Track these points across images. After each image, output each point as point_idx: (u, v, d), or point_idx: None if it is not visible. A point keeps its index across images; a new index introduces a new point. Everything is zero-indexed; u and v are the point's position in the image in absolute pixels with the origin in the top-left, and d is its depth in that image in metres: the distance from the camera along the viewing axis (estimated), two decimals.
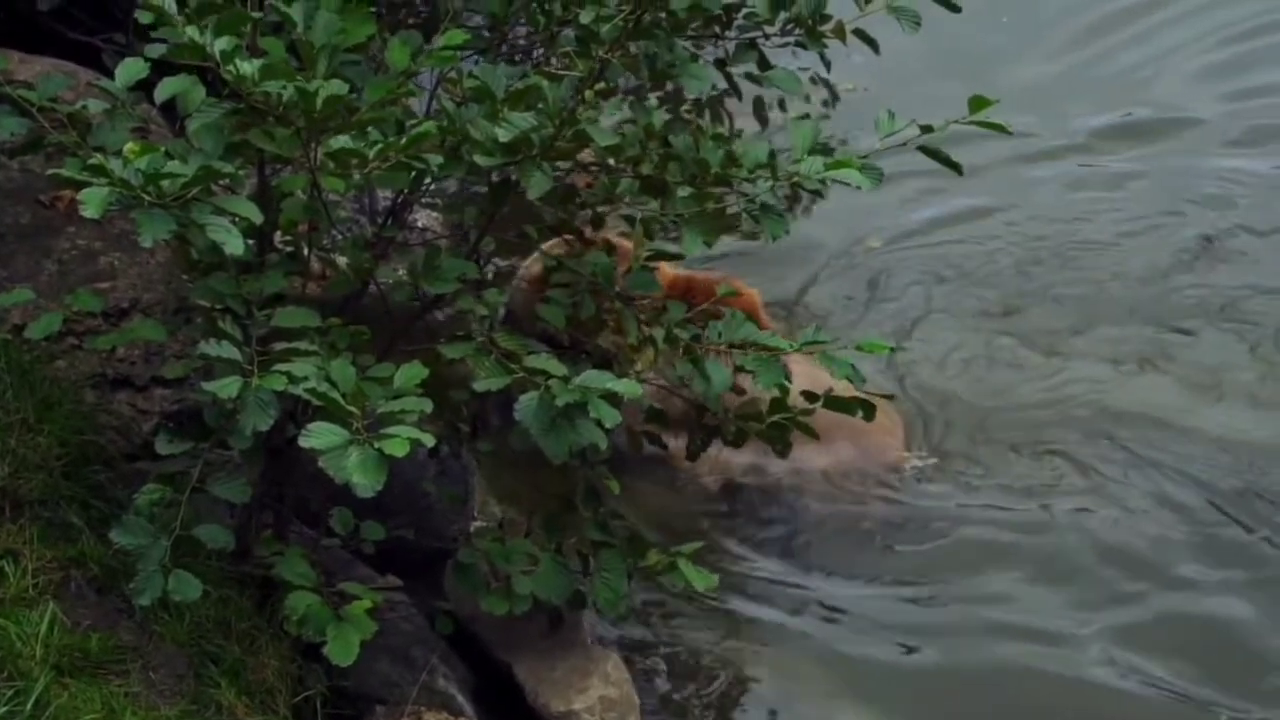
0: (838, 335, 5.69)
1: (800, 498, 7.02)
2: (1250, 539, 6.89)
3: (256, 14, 4.79)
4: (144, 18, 4.65)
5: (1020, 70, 9.74)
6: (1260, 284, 8.33)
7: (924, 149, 5.20)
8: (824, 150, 5.07)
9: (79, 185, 4.45)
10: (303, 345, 4.75)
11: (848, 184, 4.94)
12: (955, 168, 5.31)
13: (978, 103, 5.10)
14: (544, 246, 5.82)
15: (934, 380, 7.60)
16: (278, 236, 5.23)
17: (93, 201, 4.38)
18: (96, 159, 4.48)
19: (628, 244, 5.62)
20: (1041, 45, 10.07)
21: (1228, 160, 9.25)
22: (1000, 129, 5.14)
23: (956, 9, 5.56)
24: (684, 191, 5.11)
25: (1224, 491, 7.10)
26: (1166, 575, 6.73)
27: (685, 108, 7.05)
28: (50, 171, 4.87)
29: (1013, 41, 9.94)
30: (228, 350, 4.69)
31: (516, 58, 6.37)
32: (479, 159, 4.92)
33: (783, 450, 5.57)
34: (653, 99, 5.54)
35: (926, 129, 5.16)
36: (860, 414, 5.37)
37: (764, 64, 5.75)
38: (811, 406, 5.41)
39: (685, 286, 6.47)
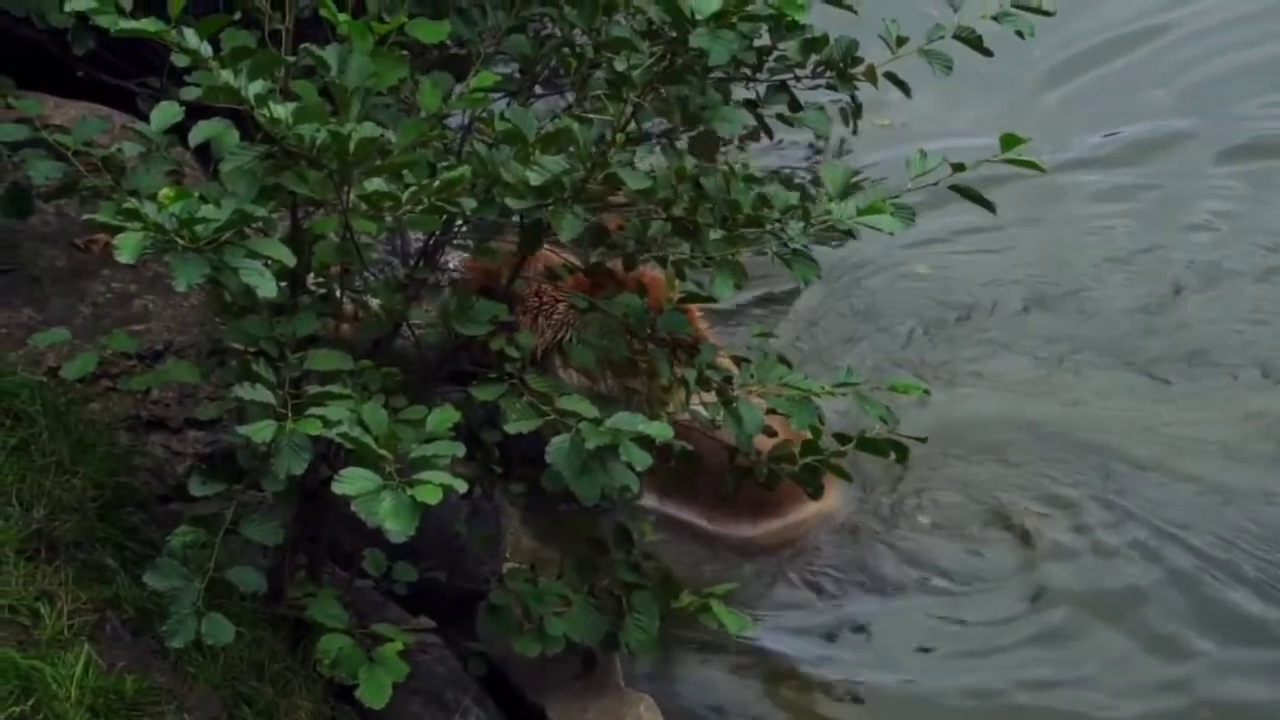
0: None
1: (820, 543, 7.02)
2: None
3: (290, 58, 4.80)
4: (179, 61, 4.68)
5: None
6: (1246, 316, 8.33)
7: (956, 188, 5.20)
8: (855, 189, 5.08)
9: (114, 229, 4.46)
10: (336, 388, 4.75)
11: (879, 229, 4.94)
12: (989, 206, 5.30)
13: (1009, 140, 5.10)
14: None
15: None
16: (310, 279, 5.23)
17: (128, 246, 4.39)
18: (131, 203, 4.49)
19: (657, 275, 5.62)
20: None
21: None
22: (1033, 166, 5.14)
23: (988, 54, 5.55)
24: (715, 234, 5.11)
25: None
26: (1150, 630, 6.73)
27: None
28: (85, 216, 4.90)
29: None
30: (261, 393, 4.70)
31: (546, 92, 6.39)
32: (510, 201, 4.93)
33: (815, 492, 5.57)
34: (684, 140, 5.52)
35: (959, 167, 5.16)
36: (893, 456, 5.37)
37: (795, 105, 5.75)
38: (844, 449, 5.41)
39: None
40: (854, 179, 5.09)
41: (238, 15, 4.88)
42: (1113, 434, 7.60)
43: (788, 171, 8.90)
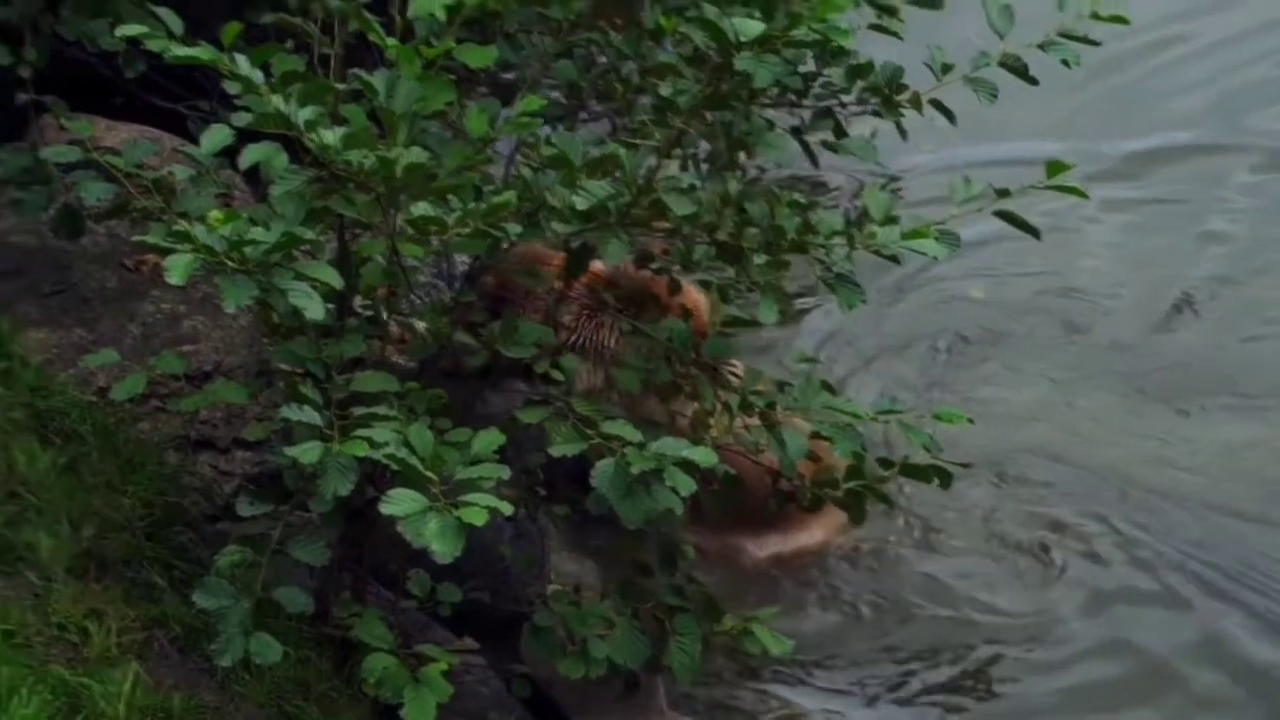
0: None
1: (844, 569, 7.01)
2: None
3: (340, 85, 4.83)
4: (231, 88, 4.70)
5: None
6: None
7: (1000, 213, 5.20)
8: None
9: (164, 251, 4.49)
10: (382, 409, 4.77)
11: (923, 254, 4.94)
12: (1034, 233, 5.29)
13: (1054, 167, 5.10)
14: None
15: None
16: (357, 301, 5.25)
17: (178, 268, 4.42)
18: (181, 225, 4.52)
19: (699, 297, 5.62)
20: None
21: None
22: (1077, 193, 5.14)
23: (1034, 81, 5.54)
24: (760, 258, 5.12)
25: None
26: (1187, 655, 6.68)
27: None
28: (136, 237, 4.93)
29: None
30: (308, 414, 4.72)
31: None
32: (556, 226, 4.94)
33: (858, 517, 5.57)
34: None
35: (1003, 193, 5.15)
36: (938, 483, 5.37)
37: (840, 132, 5.75)
38: (887, 474, 5.41)
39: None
40: (895, 186, 5.10)
41: (290, 44, 4.91)
42: (1131, 459, 7.55)
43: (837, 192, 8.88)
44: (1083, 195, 5.15)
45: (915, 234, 4.96)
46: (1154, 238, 8.92)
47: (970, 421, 5.38)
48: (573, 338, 6.22)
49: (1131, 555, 7.05)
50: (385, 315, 5.23)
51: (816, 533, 6.92)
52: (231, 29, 4.69)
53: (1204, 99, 9.97)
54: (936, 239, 4.96)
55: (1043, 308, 8.52)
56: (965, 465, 5.70)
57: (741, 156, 5.44)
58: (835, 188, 8.84)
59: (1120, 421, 7.81)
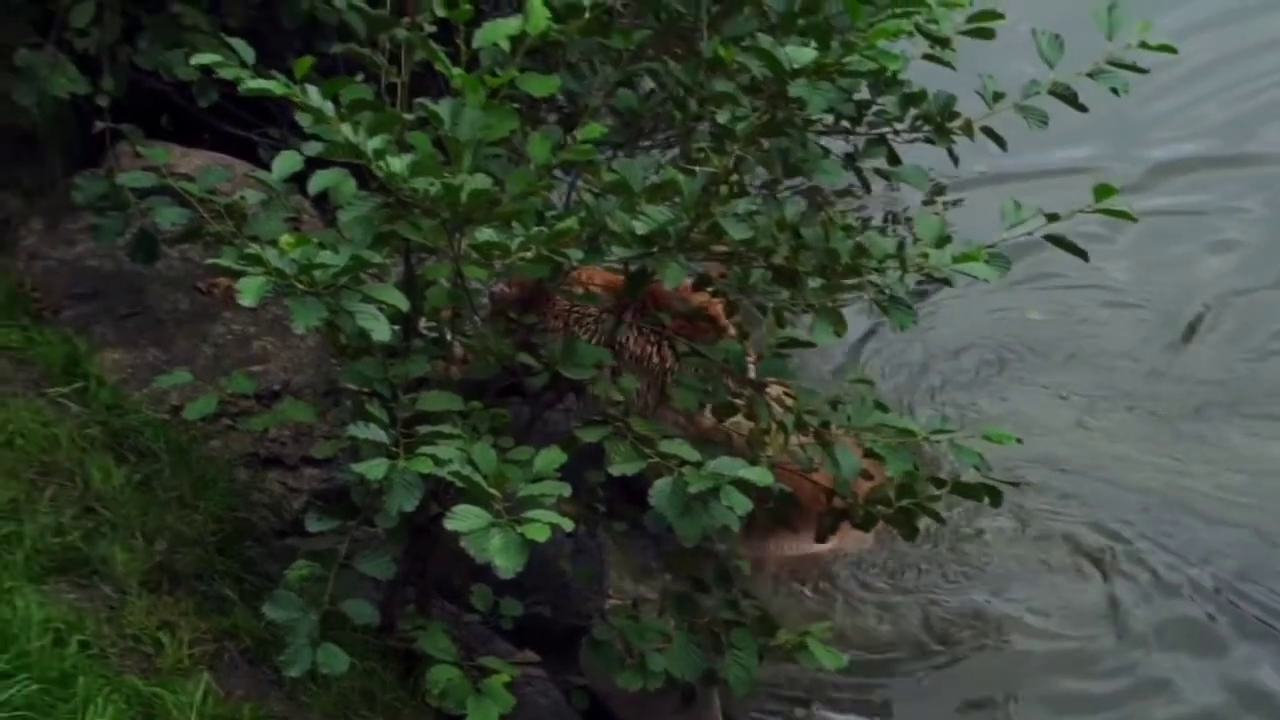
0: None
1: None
2: None
3: (407, 115, 4.88)
4: (303, 120, 4.76)
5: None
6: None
7: (1050, 238, 5.22)
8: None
9: (236, 274, 4.55)
10: (446, 428, 4.82)
11: (974, 277, 4.97)
12: (1082, 255, 5.30)
13: (1102, 191, 5.12)
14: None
15: None
16: (422, 323, 5.31)
17: (250, 290, 4.48)
18: (253, 249, 4.58)
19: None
20: None
21: None
22: (1125, 216, 5.15)
23: (1083, 109, 5.56)
24: (815, 282, 5.14)
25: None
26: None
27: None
28: (209, 260, 4.99)
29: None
30: (374, 432, 4.77)
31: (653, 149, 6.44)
32: (617, 250, 4.98)
33: (909, 535, 5.58)
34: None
35: (1053, 217, 5.17)
36: (988, 501, 5.39)
37: (893, 159, 5.77)
38: (938, 492, 5.42)
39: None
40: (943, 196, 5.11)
41: (360, 77, 4.97)
42: (1155, 476, 7.51)
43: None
44: (1131, 218, 5.16)
45: (966, 258, 4.98)
46: (1172, 249, 8.87)
47: (1018, 441, 5.38)
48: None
49: (1161, 577, 7.02)
50: (450, 336, 5.27)
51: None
52: (304, 63, 4.75)
53: (1222, 112, 9.91)
54: (987, 262, 4.98)
55: (1063, 320, 8.50)
56: (1016, 484, 5.70)
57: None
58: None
59: (1142, 438, 7.80)
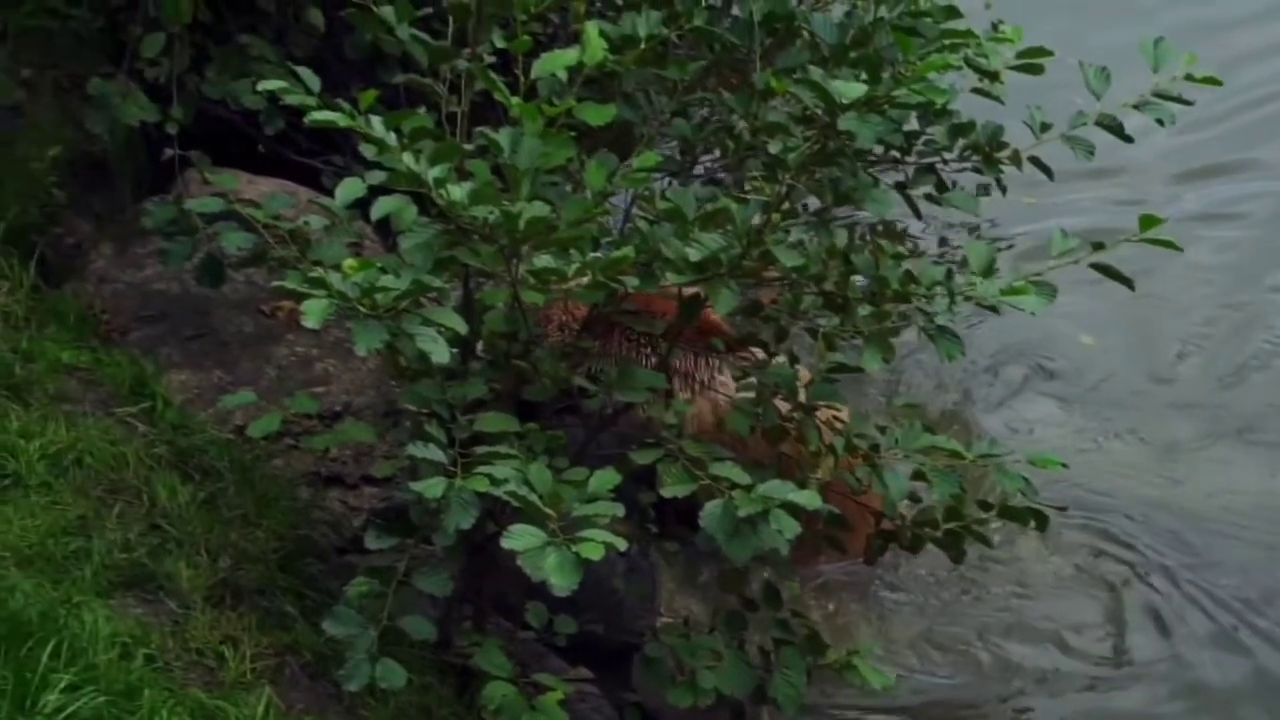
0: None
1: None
2: None
3: (466, 145, 4.91)
4: (367, 150, 4.79)
5: None
6: None
7: (1096, 265, 5.20)
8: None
9: (300, 296, 4.57)
10: (503, 448, 4.84)
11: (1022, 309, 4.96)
12: (1128, 284, 5.29)
13: (1147, 221, 5.10)
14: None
15: None
16: (480, 346, 5.32)
17: (313, 312, 4.51)
18: (317, 273, 4.61)
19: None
20: None
21: None
22: (1171, 246, 5.13)
23: (1129, 140, 5.55)
24: (864, 309, 5.14)
25: None
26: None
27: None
28: (273, 284, 5.01)
29: None
30: (433, 452, 4.79)
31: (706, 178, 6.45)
32: (670, 276, 4.99)
33: (957, 557, 5.57)
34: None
35: (1098, 246, 5.16)
36: (1033, 525, 5.37)
37: (942, 187, 5.77)
38: (985, 515, 5.41)
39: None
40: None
41: (422, 109, 5.00)
42: (1189, 495, 7.48)
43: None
44: (1177, 248, 5.14)
45: (1014, 290, 4.97)
46: (1227, 279, 8.83)
47: (1064, 465, 5.36)
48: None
49: (1193, 599, 6.99)
50: (507, 359, 5.29)
51: None
52: (368, 95, 4.78)
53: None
54: (1035, 293, 4.96)
55: (1100, 339, 8.46)
56: (1062, 509, 5.68)
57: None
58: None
59: (1175, 457, 7.76)
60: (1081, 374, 8.27)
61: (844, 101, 4.80)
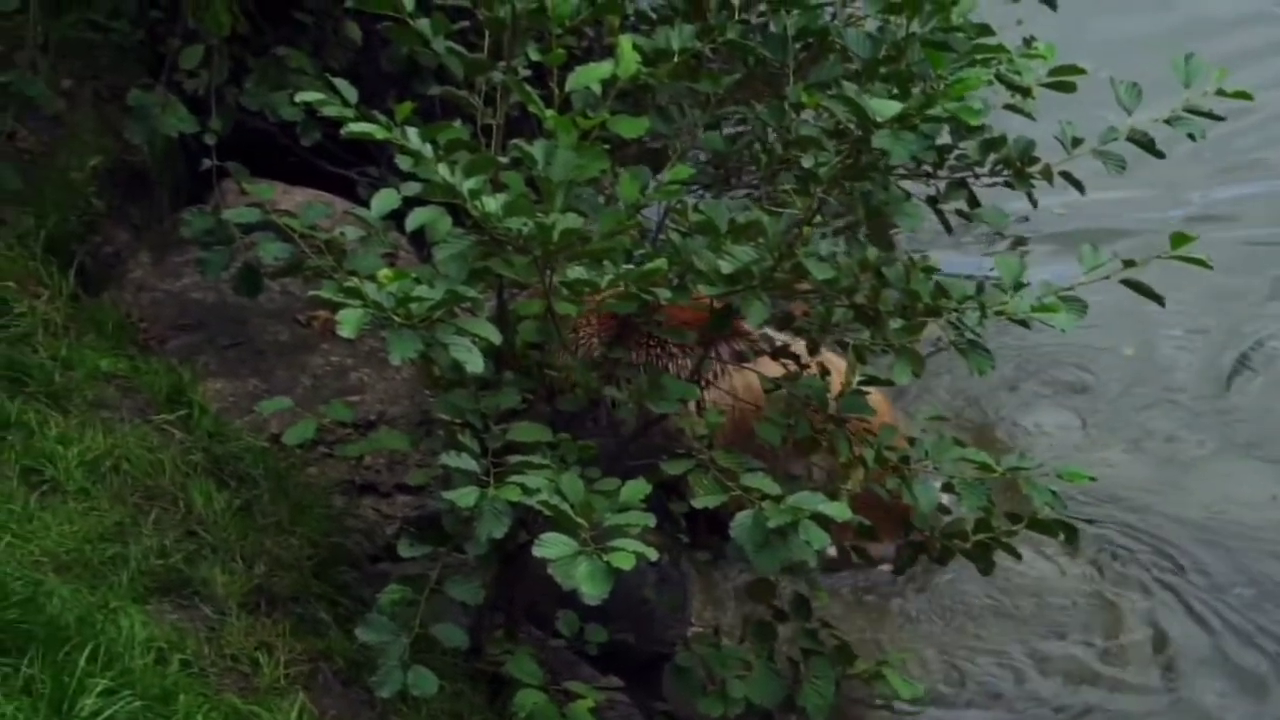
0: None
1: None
2: None
3: (501, 159, 4.91)
4: (403, 162, 4.79)
5: None
6: None
7: (1127, 282, 5.18)
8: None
9: (335, 306, 4.59)
10: (536, 458, 4.84)
11: (1051, 326, 4.94)
12: (1159, 300, 5.26)
13: (1178, 239, 5.08)
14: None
15: None
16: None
17: (349, 322, 4.52)
18: (352, 283, 4.62)
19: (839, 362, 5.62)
20: None
21: None
22: (1202, 264, 5.11)
23: (1160, 155, 5.53)
24: (895, 322, 5.13)
25: None
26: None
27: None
28: (309, 293, 5.03)
29: None
30: (466, 462, 4.79)
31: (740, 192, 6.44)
32: (703, 288, 4.99)
33: (986, 568, 5.55)
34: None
35: (1129, 263, 5.14)
36: (1063, 538, 5.35)
37: (973, 201, 5.75)
38: (1015, 528, 5.40)
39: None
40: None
41: (458, 122, 5.01)
42: (1207, 509, 7.40)
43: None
44: (1208, 266, 5.12)
45: (1044, 307, 4.95)
46: (1233, 280, 8.75)
47: (1092, 479, 5.34)
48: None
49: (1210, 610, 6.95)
50: (540, 370, 5.29)
51: None
52: (405, 108, 4.79)
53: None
54: (1065, 310, 4.95)
55: (1117, 351, 8.40)
56: (1090, 521, 5.65)
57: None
58: None
59: (1195, 471, 7.69)
60: (1105, 384, 8.22)
61: (878, 119, 4.79)
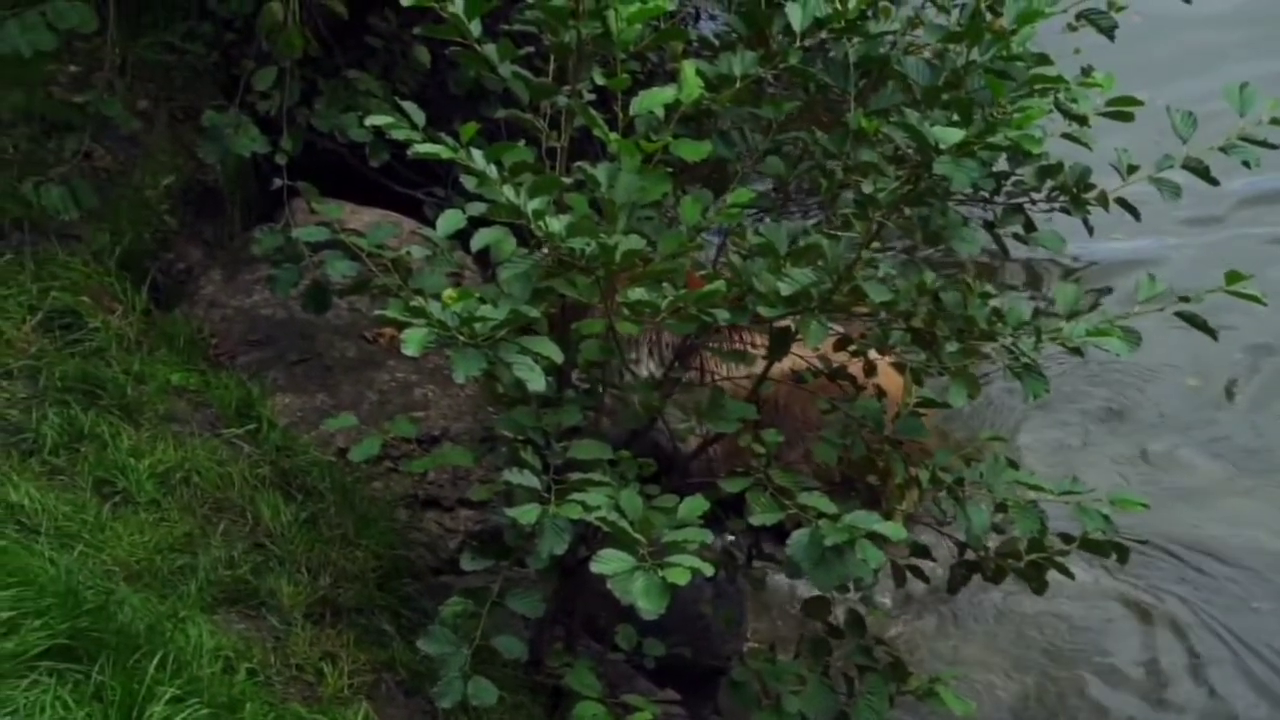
0: None
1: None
2: None
3: (565, 180, 4.93)
4: (468, 182, 4.82)
5: None
6: None
7: (1181, 314, 5.16)
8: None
9: (401, 325, 4.61)
10: (596, 475, 4.84)
11: (1107, 351, 4.92)
12: (1212, 334, 5.23)
13: (1232, 277, 5.05)
14: None
15: None
16: (575, 375, 5.33)
17: (414, 341, 4.54)
18: (418, 301, 4.64)
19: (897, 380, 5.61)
20: None
21: None
22: (1255, 300, 5.08)
23: (1215, 183, 5.50)
24: (951, 345, 5.12)
25: None
26: None
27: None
28: (376, 311, 5.05)
29: None
30: (528, 478, 4.80)
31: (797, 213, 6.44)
32: (762, 310, 4.99)
33: (1039, 588, 5.53)
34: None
35: (1184, 299, 5.12)
36: (1115, 557, 5.33)
37: (1030, 226, 5.74)
38: (1068, 548, 5.37)
39: None
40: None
41: (522, 144, 5.03)
42: (1232, 529, 7.36)
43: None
44: (1261, 303, 5.08)
45: (1099, 332, 4.93)
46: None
47: (1145, 506, 5.30)
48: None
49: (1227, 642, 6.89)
50: (601, 388, 5.29)
51: None
52: (469, 128, 4.80)
53: None
54: (1120, 337, 4.93)
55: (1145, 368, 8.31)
56: (1143, 542, 5.61)
57: None
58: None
59: (1217, 490, 7.64)
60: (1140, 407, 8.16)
61: (941, 145, 4.79)
